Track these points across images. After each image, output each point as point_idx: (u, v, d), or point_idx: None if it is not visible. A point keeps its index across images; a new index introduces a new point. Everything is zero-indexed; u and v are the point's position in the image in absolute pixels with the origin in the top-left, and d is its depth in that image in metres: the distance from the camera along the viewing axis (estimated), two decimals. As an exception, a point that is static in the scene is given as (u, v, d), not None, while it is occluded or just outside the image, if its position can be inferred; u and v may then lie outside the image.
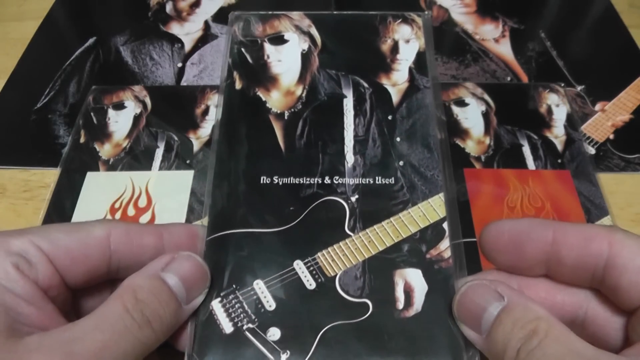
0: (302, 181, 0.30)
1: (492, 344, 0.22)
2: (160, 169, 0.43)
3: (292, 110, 0.33)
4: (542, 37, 0.53)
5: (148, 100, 0.48)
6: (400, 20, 0.36)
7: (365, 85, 0.34)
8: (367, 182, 0.30)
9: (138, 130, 0.45)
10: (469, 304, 0.24)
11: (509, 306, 0.22)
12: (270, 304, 0.26)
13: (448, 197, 0.30)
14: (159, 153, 0.44)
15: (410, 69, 0.34)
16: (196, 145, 0.44)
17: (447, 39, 0.53)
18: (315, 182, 0.30)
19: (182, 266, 0.25)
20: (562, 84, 0.48)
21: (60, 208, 0.40)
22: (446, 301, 0.26)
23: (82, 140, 0.45)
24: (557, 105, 0.46)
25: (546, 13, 0.56)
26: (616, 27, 0.54)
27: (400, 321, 0.26)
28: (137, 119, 0.46)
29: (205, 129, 0.45)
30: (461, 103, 0.46)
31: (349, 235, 0.28)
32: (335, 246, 0.28)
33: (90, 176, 0.42)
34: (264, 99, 0.33)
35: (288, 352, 0.25)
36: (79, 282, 0.25)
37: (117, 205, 0.40)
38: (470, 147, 0.43)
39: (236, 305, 0.26)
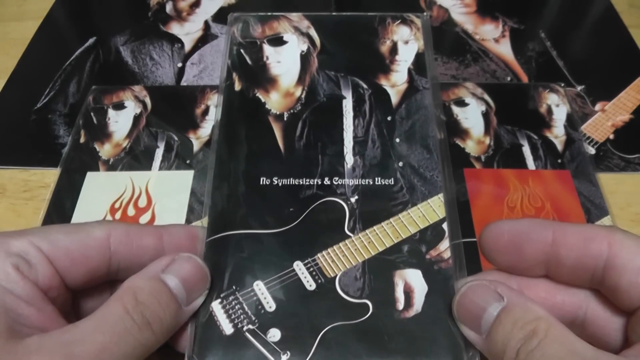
0: (301, 182, 0.30)
1: (491, 344, 0.22)
2: (160, 169, 0.43)
3: (292, 111, 0.33)
4: (542, 37, 0.53)
5: (148, 100, 0.48)
6: (399, 21, 0.36)
7: (365, 86, 0.34)
8: (367, 183, 0.30)
9: (138, 130, 0.45)
10: (468, 305, 0.24)
11: (509, 306, 0.22)
12: (270, 305, 0.26)
13: (447, 197, 0.30)
14: (159, 153, 0.44)
15: (409, 70, 0.34)
16: (196, 145, 0.44)
17: (447, 39, 0.53)
18: (315, 183, 0.30)
19: (182, 268, 0.25)
20: (562, 84, 0.48)
21: (60, 208, 0.40)
22: (446, 302, 0.26)
23: (82, 140, 0.45)
24: (557, 105, 0.46)
25: (546, 13, 0.56)
26: (616, 27, 0.54)
27: (400, 322, 0.26)
28: (137, 119, 0.46)
29: (205, 129, 0.45)
30: (461, 103, 0.46)
31: (349, 236, 0.28)
32: (335, 247, 0.28)
33: (90, 176, 0.42)
34: (263, 100, 0.33)
35: (288, 353, 0.25)
36: (79, 283, 0.25)
37: (117, 205, 0.40)
38: (470, 147, 0.43)
39: (236, 307, 0.26)
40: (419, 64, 0.35)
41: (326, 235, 0.28)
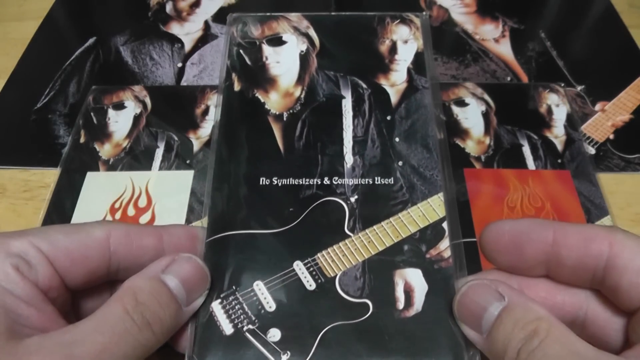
0: (301, 182, 0.30)
1: (492, 344, 0.22)
2: (160, 169, 0.43)
3: (291, 111, 0.33)
4: (542, 37, 0.53)
5: (148, 100, 0.48)
6: (398, 20, 0.36)
7: (364, 86, 0.34)
8: (367, 182, 0.30)
9: (138, 130, 0.45)
10: (469, 304, 0.24)
11: (510, 306, 0.22)
12: (270, 305, 0.26)
13: (447, 197, 0.30)
14: (159, 153, 0.44)
15: (408, 70, 0.34)
16: (196, 145, 0.44)
17: (447, 39, 0.53)
18: (315, 183, 0.30)
19: (183, 268, 0.25)
20: (562, 84, 0.48)
21: (60, 208, 0.40)
22: (446, 301, 0.26)
23: (82, 140, 0.45)
24: (557, 105, 0.46)
25: (546, 13, 0.56)
26: (616, 27, 0.54)
27: (401, 321, 0.26)
28: (137, 119, 0.46)
29: (205, 129, 0.45)
30: (461, 103, 0.46)
31: (349, 236, 0.28)
32: (335, 247, 0.28)
33: (90, 176, 0.42)
34: (262, 100, 0.33)
35: (288, 353, 0.25)
36: (79, 284, 0.25)
37: (117, 205, 0.40)
38: (470, 147, 0.43)
39: (236, 307, 0.26)
40: (418, 64, 0.35)
41: (326, 235, 0.28)
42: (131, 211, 0.40)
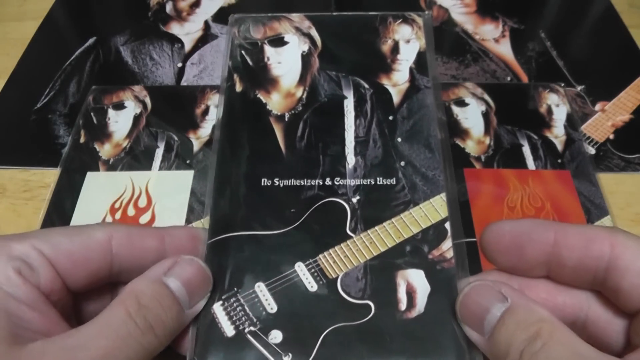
0: (303, 183, 0.30)
1: (494, 345, 0.22)
2: (160, 169, 0.43)
3: (293, 112, 0.33)
4: (542, 37, 0.53)
5: (148, 100, 0.48)
6: (400, 20, 0.36)
7: (366, 86, 0.34)
8: (368, 183, 0.30)
9: (138, 130, 0.45)
10: (472, 305, 0.24)
11: (512, 307, 0.22)
12: (271, 306, 0.26)
13: (449, 197, 0.29)
14: (159, 153, 0.44)
15: (410, 69, 0.34)
16: (196, 145, 0.44)
17: (447, 39, 0.53)
18: (316, 183, 0.30)
19: (185, 270, 0.25)
20: (562, 84, 0.48)
21: (60, 208, 0.40)
22: (449, 302, 0.26)
23: (82, 140, 0.45)
24: (557, 105, 0.46)
25: (546, 13, 0.56)
26: (616, 27, 0.54)
27: (403, 323, 0.26)
28: (137, 119, 0.46)
29: (205, 129, 0.45)
30: (461, 103, 0.46)
31: (350, 237, 0.28)
32: (336, 248, 0.28)
33: (90, 176, 0.42)
34: (264, 101, 0.33)
35: (290, 354, 0.25)
36: (81, 286, 0.24)
37: (117, 205, 0.40)
38: (470, 147, 0.43)
39: (237, 308, 0.26)
40: (420, 63, 0.34)
41: (327, 236, 0.28)
42: (131, 211, 0.40)
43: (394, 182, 0.30)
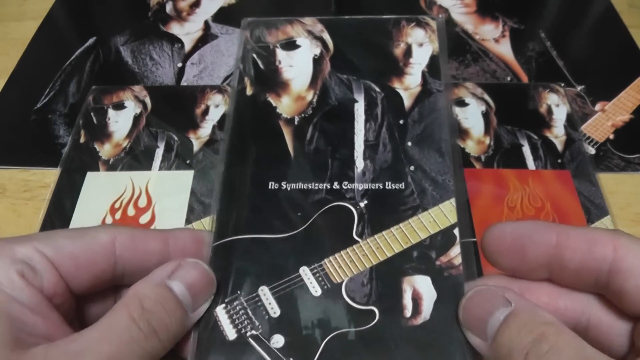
0: (310, 186, 0.30)
1: (497, 349, 0.22)
2: (160, 169, 0.43)
3: (303, 115, 0.32)
4: (542, 37, 0.53)
5: (148, 100, 0.48)
6: (414, 24, 0.36)
7: (377, 89, 0.33)
8: (377, 187, 0.30)
9: (138, 130, 0.45)
10: (474, 309, 0.24)
11: (516, 311, 0.22)
12: (274, 310, 0.26)
13: (459, 202, 0.29)
14: (159, 153, 0.44)
15: (423, 73, 0.34)
16: (196, 145, 0.44)
17: (447, 39, 0.53)
18: (324, 187, 0.30)
19: (189, 273, 0.25)
20: (562, 84, 0.48)
21: (60, 208, 0.40)
22: (456, 309, 0.25)
23: (82, 140, 0.45)
24: (557, 105, 0.46)
25: (546, 13, 0.56)
26: (616, 27, 0.54)
27: (408, 329, 0.25)
28: (137, 119, 0.46)
29: (205, 129, 0.45)
30: (461, 103, 0.46)
31: (357, 242, 0.28)
32: (342, 252, 0.28)
33: (90, 176, 0.42)
34: (274, 104, 0.33)
35: (291, 359, 0.25)
36: (84, 289, 0.24)
37: (117, 205, 0.40)
38: (470, 147, 0.43)
39: (240, 312, 0.26)
40: (433, 67, 0.34)
41: (334, 240, 0.28)
42: (131, 211, 0.40)
43: (403, 187, 0.30)
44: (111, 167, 0.43)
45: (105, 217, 0.40)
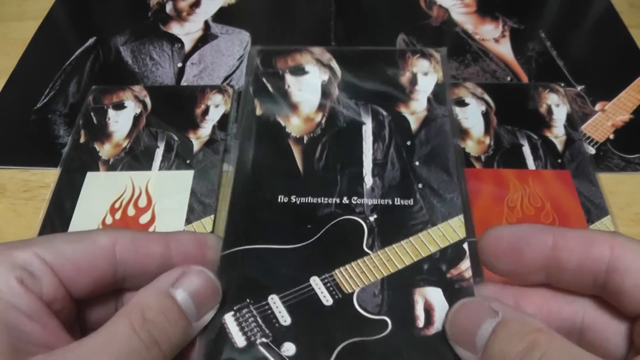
0: (320, 201, 0.30)
1: None
2: (160, 169, 0.43)
3: (312, 135, 0.33)
4: (542, 37, 0.53)
5: (148, 100, 0.48)
6: (418, 55, 0.37)
7: (384, 113, 0.34)
8: (386, 202, 0.30)
9: (138, 130, 0.45)
10: (461, 322, 0.24)
11: (504, 321, 0.22)
12: (285, 319, 0.26)
13: (467, 218, 0.29)
14: (159, 153, 0.44)
15: (428, 99, 0.35)
16: (196, 145, 0.44)
17: (447, 39, 0.53)
18: (334, 202, 0.30)
19: (193, 282, 0.24)
20: (562, 84, 0.48)
21: (60, 208, 0.40)
22: (442, 324, 0.25)
23: (82, 140, 0.45)
24: (557, 105, 0.46)
25: (546, 13, 0.56)
26: (616, 27, 0.54)
27: (420, 340, 0.25)
28: (137, 119, 0.46)
29: (205, 129, 0.45)
30: (461, 103, 0.46)
31: (367, 253, 0.28)
32: (353, 263, 0.28)
33: (90, 176, 0.42)
34: (283, 124, 0.34)
35: None
36: (84, 294, 0.24)
37: (117, 205, 0.40)
38: (470, 147, 0.43)
39: (250, 320, 0.26)
40: (438, 94, 0.35)
41: (344, 252, 0.28)
42: (131, 211, 0.40)
43: (412, 203, 0.30)
44: (111, 167, 0.43)
45: (105, 217, 0.40)
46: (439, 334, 0.25)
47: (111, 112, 0.47)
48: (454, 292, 0.27)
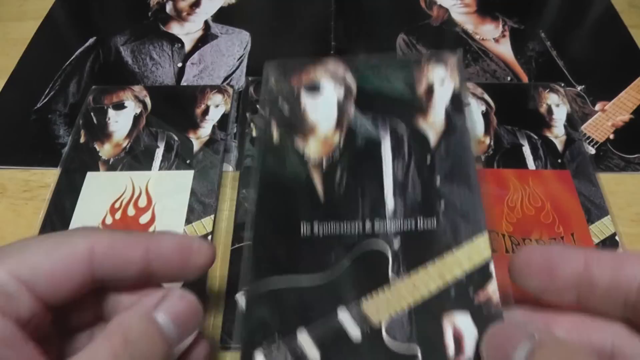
0: (342, 227, 0.30)
1: None
2: (160, 169, 0.43)
3: (330, 158, 0.33)
4: (542, 37, 0.53)
5: (148, 100, 0.48)
6: (433, 61, 0.36)
7: (402, 128, 0.33)
8: (409, 224, 0.30)
9: (138, 130, 0.45)
10: (498, 345, 0.23)
11: (541, 343, 0.22)
12: (314, 354, 0.26)
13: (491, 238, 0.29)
14: (159, 153, 0.44)
15: (446, 110, 0.34)
16: (196, 145, 0.44)
17: (447, 39, 0.53)
18: (357, 230, 0.30)
19: (174, 305, 0.24)
20: (562, 84, 0.48)
21: (60, 208, 0.40)
22: (477, 347, 0.25)
23: (82, 140, 0.45)
24: (557, 105, 0.46)
25: (546, 13, 0.56)
26: (616, 27, 0.54)
27: None
28: (137, 119, 0.46)
29: (205, 129, 0.45)
30: (461, 103, 0.46)
31: (393, 282, 0.28)
32: (380, 293, 0.27)
33: (90, 176, 0.42)
34: (301, 147, 0.33)
35: None
36: (61, 302, 0.24)
37: (117, 205, 0.40)
38: (470, 147, 0.43)
39: (279, 356, 0.26)
40: (455, 103, 0.34)
41: (370, 280, 0.28)
42: (131, 211, 0.40)
43: (435, 223, 0.30)
44: (111, 167, 0.43)
45: (105, 217, 0.40)
46: None
47: (111, 112, 0.47)
48: (482, 317, 0.26)
